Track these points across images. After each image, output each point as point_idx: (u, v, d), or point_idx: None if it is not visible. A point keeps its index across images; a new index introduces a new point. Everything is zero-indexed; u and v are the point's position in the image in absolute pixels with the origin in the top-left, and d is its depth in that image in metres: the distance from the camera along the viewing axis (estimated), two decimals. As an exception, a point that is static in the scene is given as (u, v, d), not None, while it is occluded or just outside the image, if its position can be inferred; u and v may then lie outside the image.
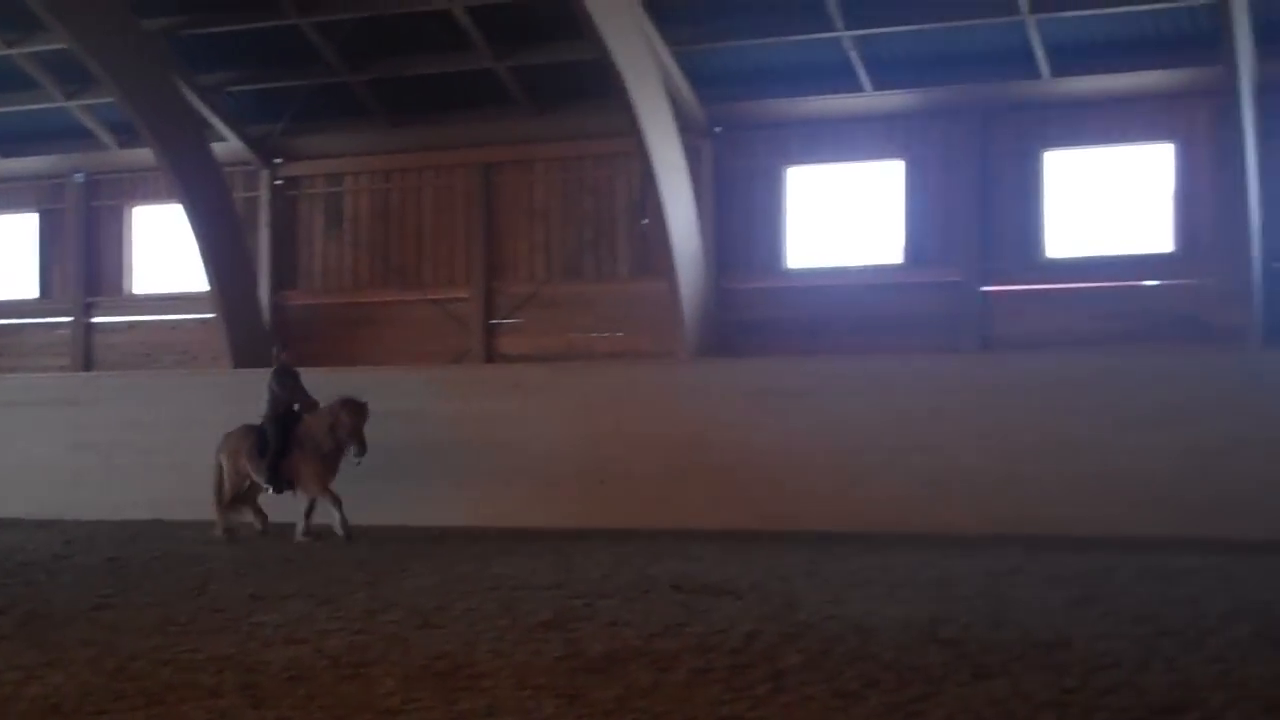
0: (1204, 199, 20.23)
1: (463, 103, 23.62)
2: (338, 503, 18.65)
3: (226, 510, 19.35)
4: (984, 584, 13.50)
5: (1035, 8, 19.48)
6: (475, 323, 23.81)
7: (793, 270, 22.36)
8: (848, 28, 20.41)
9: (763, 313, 22.20)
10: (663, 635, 10.48)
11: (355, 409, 18.66)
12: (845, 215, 22.18)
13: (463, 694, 8.40)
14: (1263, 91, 19.25)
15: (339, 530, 18.36)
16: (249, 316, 24.19)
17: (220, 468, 19.41)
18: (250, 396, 21.75)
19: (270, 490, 19.17)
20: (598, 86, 21.27)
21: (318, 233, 25.10)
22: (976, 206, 21.15)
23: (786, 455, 19.56)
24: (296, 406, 19.28)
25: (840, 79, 21.26)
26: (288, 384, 19.42)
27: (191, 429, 22.12)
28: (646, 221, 22.34)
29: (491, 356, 23.70)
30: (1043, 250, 21.07)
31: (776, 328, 22.00)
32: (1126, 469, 18.42)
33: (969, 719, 7.82)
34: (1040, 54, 20.07)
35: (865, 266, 21.88)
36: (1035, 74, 20.39)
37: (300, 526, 18.67)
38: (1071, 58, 20.24)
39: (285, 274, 25.12)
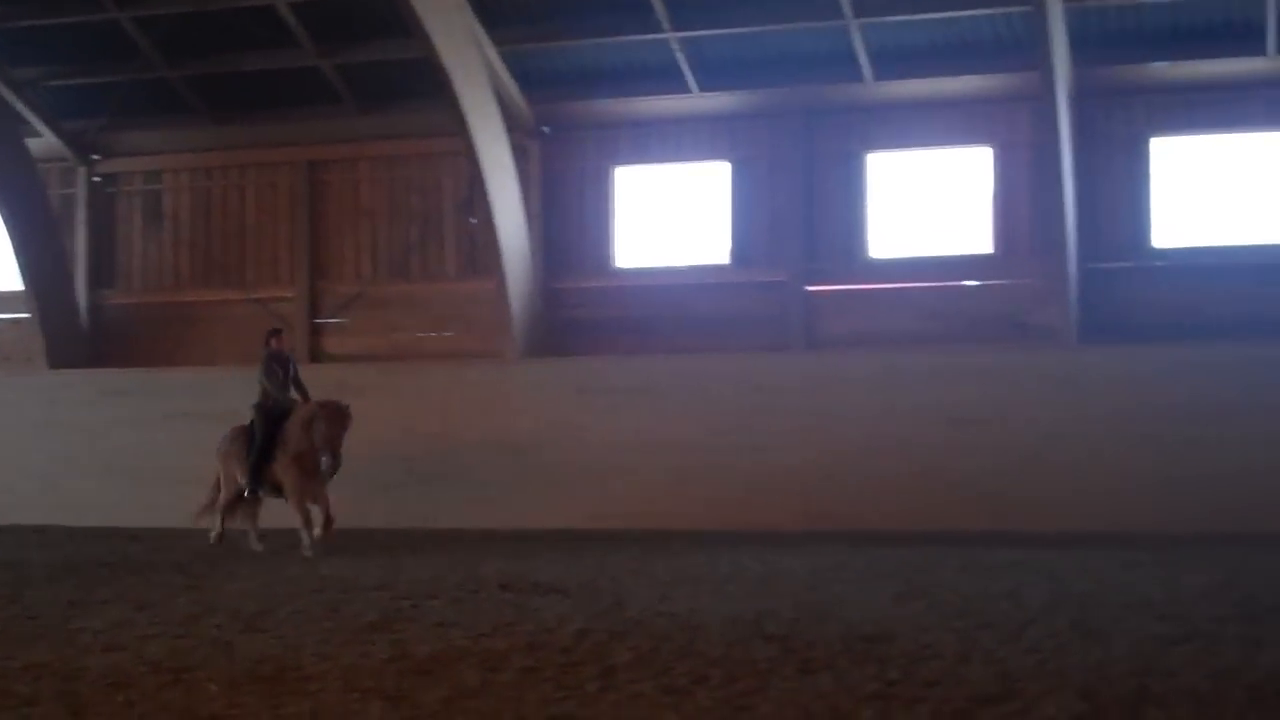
0: (1022, 201, 20.68)
1: (287, 100, 23.30)
2: (306, 520, 16.68)
3: (224, 515, 17.66)
4: (809, 579, 13.64)
5: (858, 12, 19.78)
6: (300, 322, 23.46)
7: (621, 270, 22.41)
8: (675, 29, 20.54)
9: (591, 312, 22.22)
10: (491, 635, 10.42)
11: (332, 414, 16.64)
12: (673, 215, 22.28)
13: (288, 698, 8.26)
14: (1077, 96, 19.78)
15: (305, 546, 16.51)
16: (65, 316, 23.61)
17: (218, 470, 17.88)
18: (67, 399, 21.29)
19: (247, 493, 17.33)
20: (424, 85, 21.14)
21: (137, 231, 24.57)
22: (801, 207, 21.39)
23: (615, 454, 19.61)
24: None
25: (667, 80, 21.38)
26: (276, 376, 17.42)
27: (3, 431, 21.56)
28: (474, 221, 22.24)
29: (317, 357, 23.39)
30: (866, 251, 21.37)
31: (605, 327, 22.04)
32: (948, 465, 18.79)
33: (796, 713, 7.88)
34: (863, 58, 20.38)
35: (693, 266, 22.02)
36: (859, 77, 20.70)
37: (304, 539, 16.60)
38: (894, 62, 20.58)
39: (104, 273, 24.55)
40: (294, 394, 17.49)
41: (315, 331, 23.52)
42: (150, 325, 24.05)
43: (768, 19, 20.37)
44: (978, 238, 20.97)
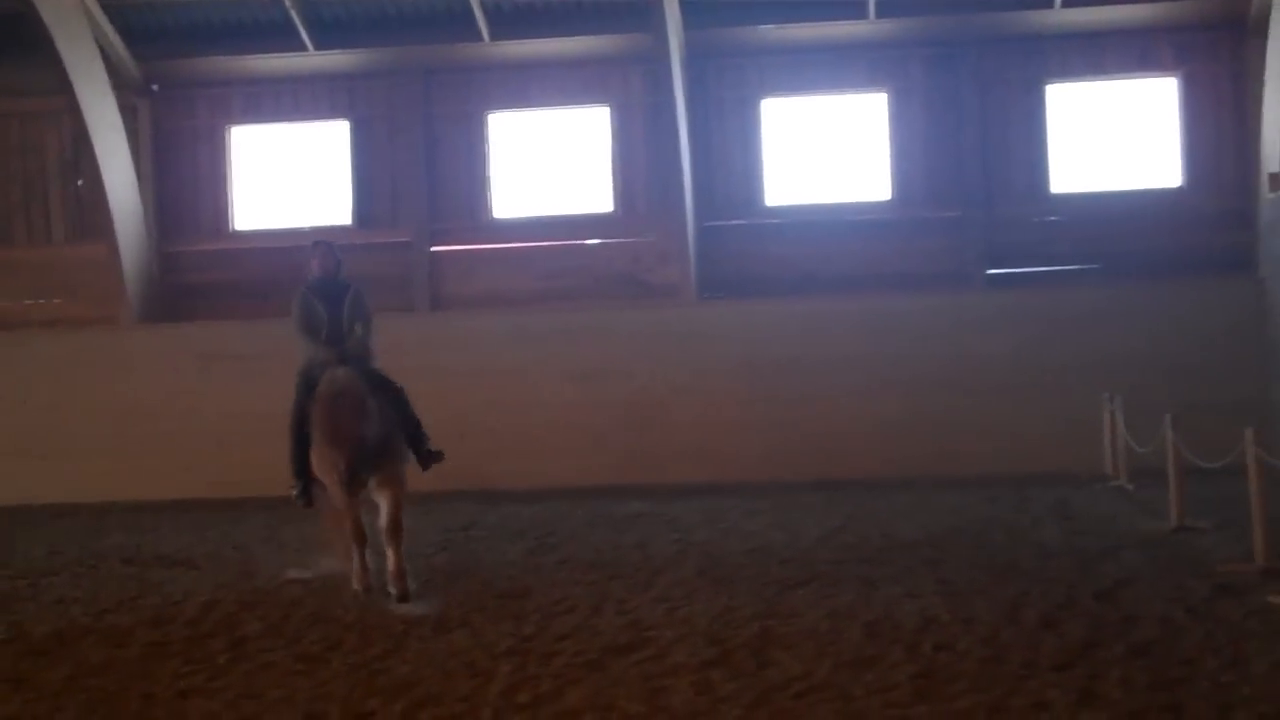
0: (640, 161, 21.05)
1: None
2: (359, 544, 11.07)
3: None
4: (443, 539, 13.70)
5: (474, -29, 19.77)
6: (-110, 294, 22.13)
7: (240, 232, 21.86)
8: (288, -15, 20.13)
9: (209, 276, 21.64)
10: (115, 610, 10.13)
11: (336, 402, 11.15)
12: (292, 176, 21.85)
13: (-106, 688, 7.85)
14: (690, 58, 20.23)
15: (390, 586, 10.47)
16: None
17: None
18: None
19: (296, 494, 11.70)
20: (23, 41, 20.12)
21: None
22: (423, 168, 21.27)
23: (235, 421, 19.16)
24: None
25: (282, 38, 20.91)
26: (318, 318, 11.61)
27: None
28: (81, 183, 21.36)
29: (-89, 329, 22.12)
30: (489, 211, 21.41)
31: (224, 291, 21.51)
32: (572, 422, 19.09)
33: (432, 672, 7.92)
34: (480, 17, 20.36)
35: (313, 228, 21.57)
36: (477, 37, 20.66)
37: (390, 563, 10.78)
38: (511, 22, 20.62)
39: None
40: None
41: (-91, 302, 22.21)
42: None
43: (384, -23, 20.18)
44: (599, 197, 21.26)
